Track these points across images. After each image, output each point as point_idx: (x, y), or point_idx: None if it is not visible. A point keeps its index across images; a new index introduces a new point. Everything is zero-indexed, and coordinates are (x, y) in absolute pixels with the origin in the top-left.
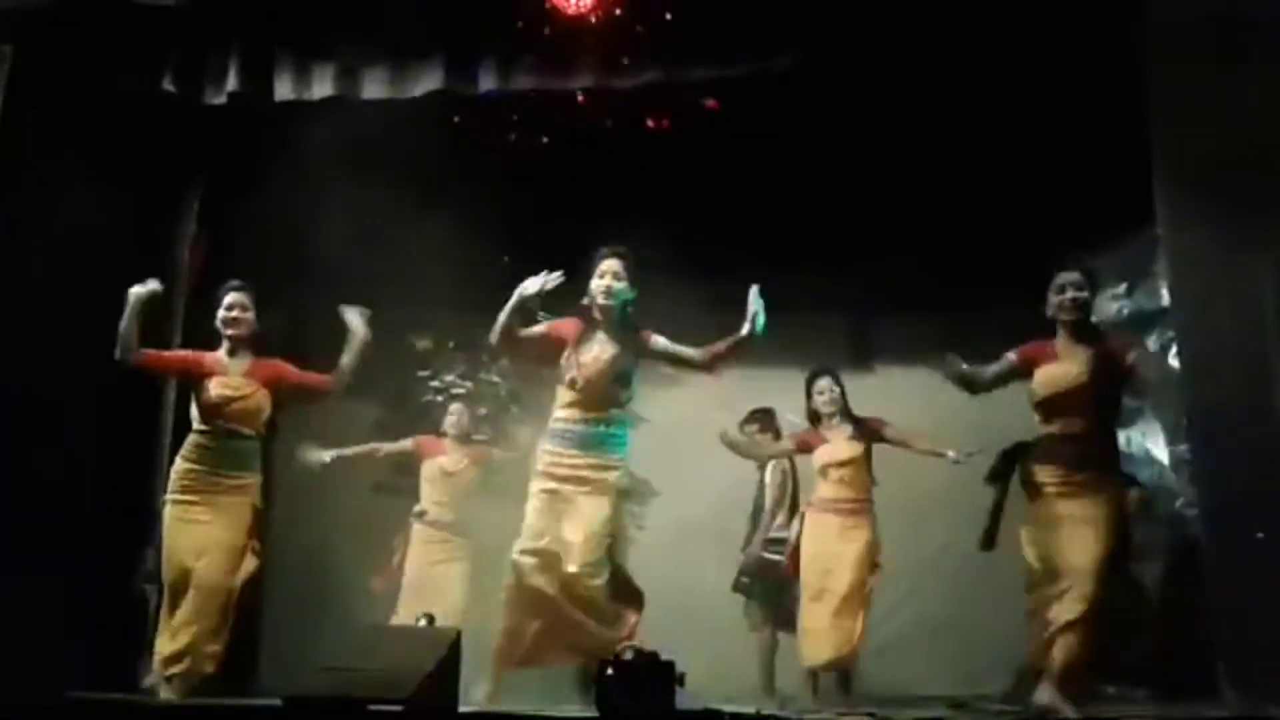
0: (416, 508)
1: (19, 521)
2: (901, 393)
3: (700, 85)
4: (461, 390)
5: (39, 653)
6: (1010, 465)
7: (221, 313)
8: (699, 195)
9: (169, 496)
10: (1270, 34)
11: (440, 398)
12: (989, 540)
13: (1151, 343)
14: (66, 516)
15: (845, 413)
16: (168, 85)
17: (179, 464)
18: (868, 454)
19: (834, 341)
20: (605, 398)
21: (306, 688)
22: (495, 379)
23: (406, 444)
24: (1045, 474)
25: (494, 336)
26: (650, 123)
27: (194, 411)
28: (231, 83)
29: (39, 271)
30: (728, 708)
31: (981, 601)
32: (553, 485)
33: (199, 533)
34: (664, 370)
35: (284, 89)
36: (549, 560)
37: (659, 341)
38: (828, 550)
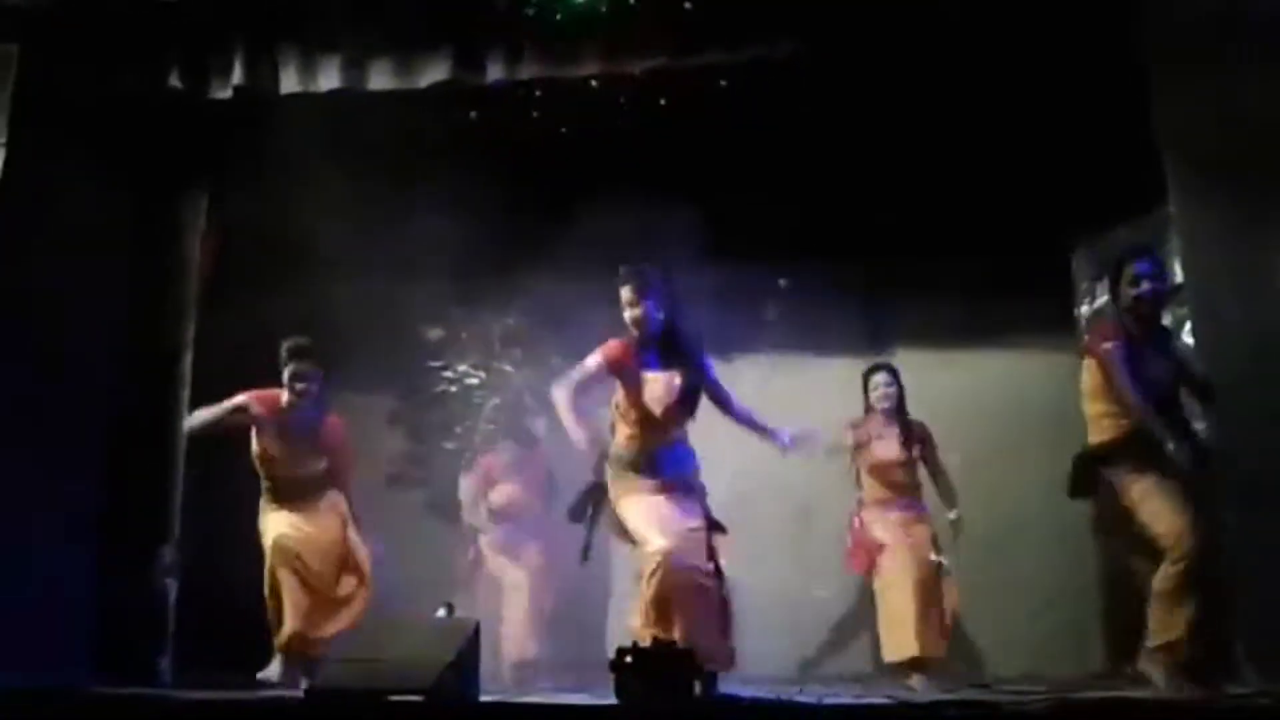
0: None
1: (36, 518)
2: (918, 380)
3: (708, 71)
4: (474, 380)
5: (60, 647)
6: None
7: (285, 377)
8: (713, 184)
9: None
10: None
11: (454, 388)
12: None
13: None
14: (84, 512)
15: (899, 410)
16: (173, 81)
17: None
18: (915, 458)
19: (851, 330)
20: (676, 421)
21: (327, 679)
22: (508, 368)
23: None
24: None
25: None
26: (662, 110)
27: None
28: (237, 77)
29: (46, 269)
30: (745, 693)
31: (997, 585)
32: (650, 495)
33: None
34: None
35: (290, 82)
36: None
37: (710, 373)
38: (892, 544)
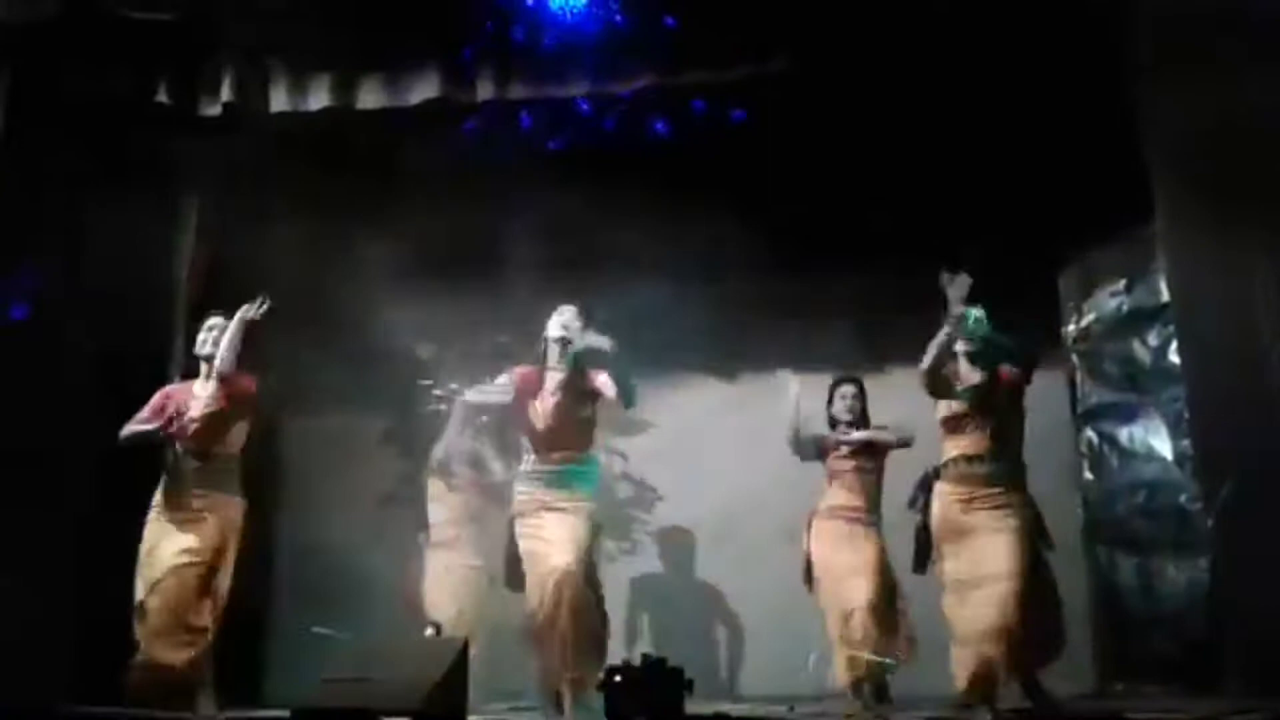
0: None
1: (18, 534)
2: (909, 395)
3: (697, 88)
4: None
5: (32, 666)
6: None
7: (198, 342)
8: (705, 200)
9: (150, 516)
10: (1268, 31)
11: (444, 406)
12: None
13: (1152, 338)
14: (66, 528)
15: (863, 422)
16: (162, 97)
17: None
18: (878, 468)
19: (844, 343)
20: (568, 439)
21: (314, 699)
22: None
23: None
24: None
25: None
26: (650, 128)
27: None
28: (226, 94)
29: (37, 285)
30: (735, 710)
31: None
32: (531, 520)
33: (169, 549)
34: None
35: (280, 100)
36: (548, 576)
37: (606, 387)
38: (841, 560)
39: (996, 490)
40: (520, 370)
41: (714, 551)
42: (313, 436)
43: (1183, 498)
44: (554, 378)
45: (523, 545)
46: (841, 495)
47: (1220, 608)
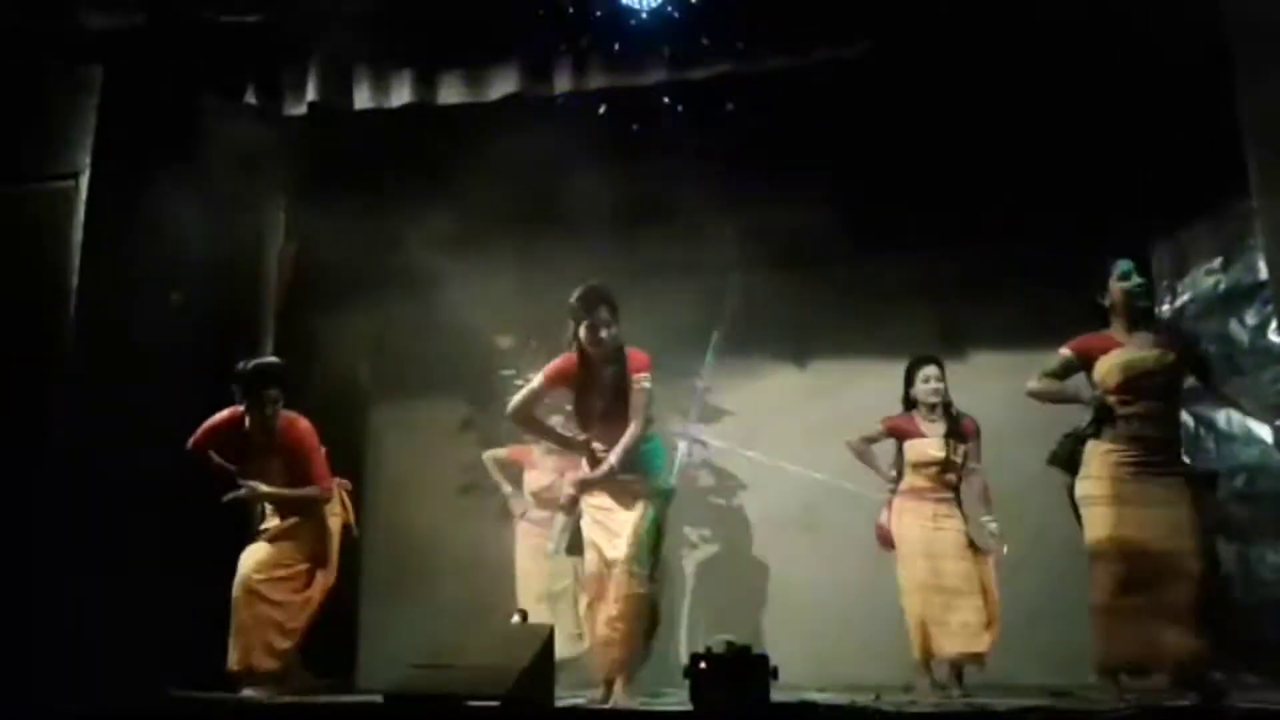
0: (510, 490)
1: (121, 523)
2: (991, 379)
3: (775, 74)
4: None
5: (142, 652)
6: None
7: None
8: (776, 188)
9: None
10: None
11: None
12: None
13: (1250, 316)
14: (168, 518)
15: (946, 405)
16: (250, 98)
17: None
18: (959, 457)
19: (923, 329)
20: (614, 423)
21: (404, 685)
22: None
23: (502, 452)
24: (1120, 457)
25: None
26: (727, 115)
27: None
28: (311, 93)
29: (132, 285)
30: (822, 699)
31: (1077, 590)
32: (594, 501)
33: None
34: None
35: (363, 98)
36: (605, 571)
37: (641, 382)
38: (926, 537)
39: (1167, 458)
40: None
41: (793, 540)
42: (397, 425)
43: None
44: (597, 361)
45: (586, 526)
46: (922, 480)
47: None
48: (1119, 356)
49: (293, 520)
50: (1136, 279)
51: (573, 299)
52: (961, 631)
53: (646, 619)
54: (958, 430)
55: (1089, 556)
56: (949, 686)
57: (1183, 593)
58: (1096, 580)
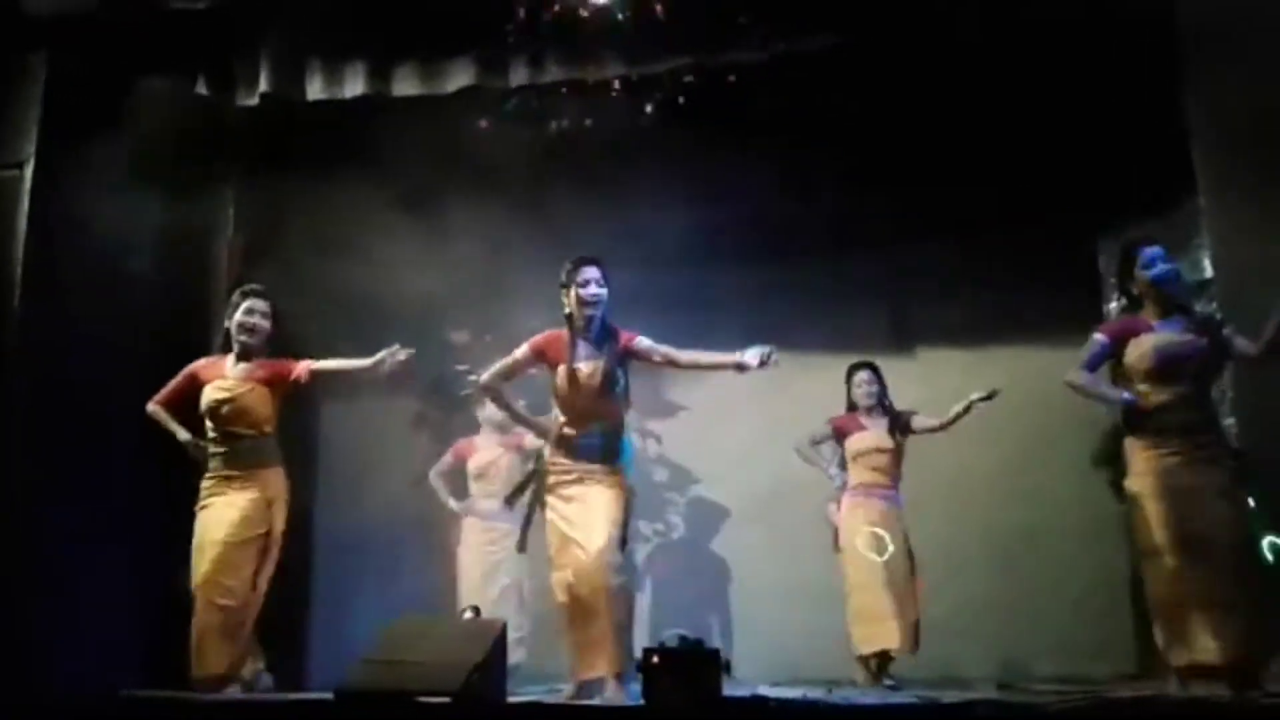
0: (457, 505)
1: (71, 526)
2: (943, 377)
3: (732, 68)
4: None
5: (94, 651)
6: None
7: (240, 317)
8: (736, 183)
9: (197, 507)
10: None
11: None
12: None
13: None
14: (119, 516)
15: (882, 405)
16: (201, 88)
17: (204, 478)
18: (899, 446)
19: (875, 327)
20: (599, 407)
21: (356, 681)
22: (533, 371)
23: (446, 459)
24: (1165, 449)
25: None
26: (683, 109)
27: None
28: (263, 84)
29: (75, 275)
30: (774, 693)
31: (1025, 583)
32: (564, 491)
33: (217, 534)
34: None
35: (315, 89)
36: (577, 561)
37: (642, 343)
38: (865, 532)
39: (1209, 440)
40: (547, 334)
41: (748, 534)
42: (349, 420)
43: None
44: (584, 344)
45: (553, 519)
46: (866, 474)
47: (1265, 590)
48: (1152, 340)
49: (242, 484)
50: (1163, 265)
51: (564, 270)
52: (888, 628)
53: (631, 611)
54: (899, 423)
55: (1142, 554)
56: (884, 678)
57: (1243, 583)
58: (1155, 578)
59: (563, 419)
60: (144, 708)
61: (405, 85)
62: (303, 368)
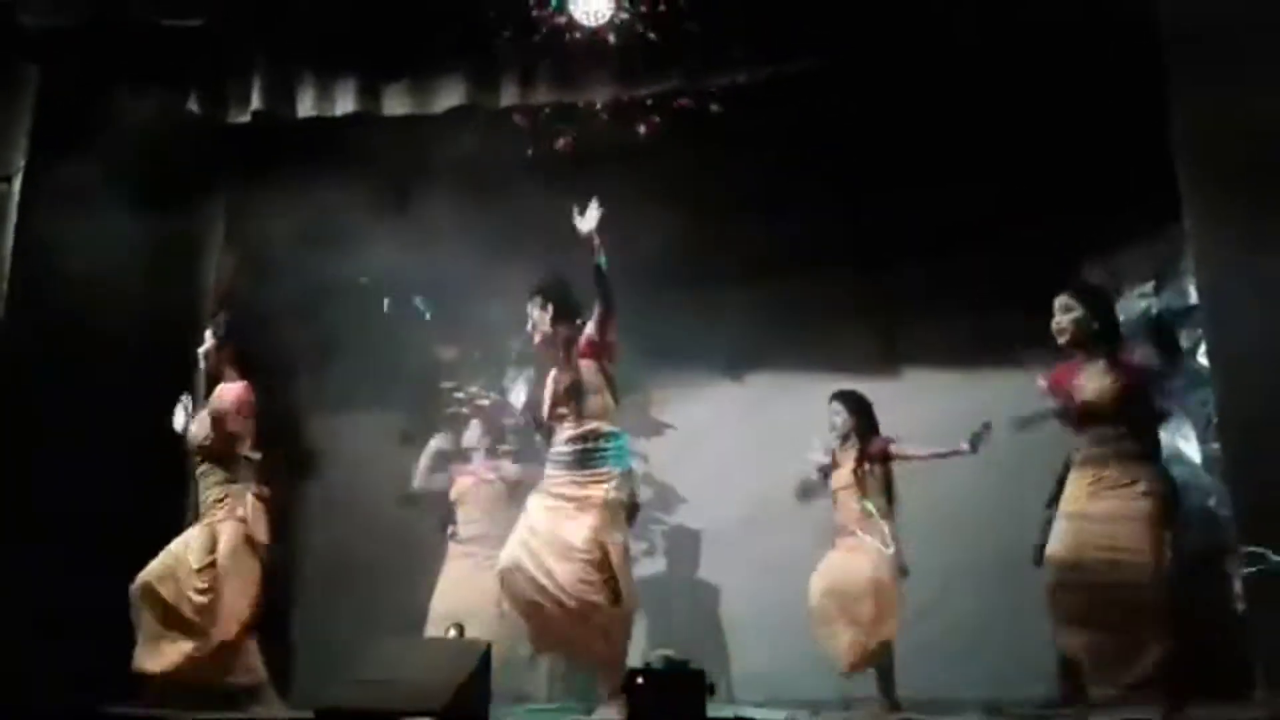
0: (449, 528)
1: (56, 533)
2: (930, 397)
3: (717, 91)
4: (485, 402)
5: (74, 666)
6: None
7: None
8: (721, 203)
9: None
10: None
11: (465, 410)
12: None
13: (1181, 340)
14: (109, 531)
15: (855, 435)
16: (192, 105)
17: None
18: (863, 477)
19: (861, 346)
20: (569, 416)
21: (339, 699)
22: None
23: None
24: (1089, 477)
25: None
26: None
27: None
28: (255, 101)
29: (65, 291)
30: (758, 714)
31: (1014, 606)
32: (550, 502)
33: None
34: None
35: (306, 107)
36: (526, 573)
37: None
38: (833, 567)
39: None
40: None
41: (731, 554)
42: (337, 437)
43: (1211, 501)
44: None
45: (542, 524)
46: (839, 515)
47: (1250, 613)
48: (1079, 383)
49: (221, 508)
50: (1075, 313)
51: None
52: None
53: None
54: (868, 453)
55: (1050, 573)
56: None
57: (1142, 605)
58: (1056, 598)
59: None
60: None
61: (395, 103)
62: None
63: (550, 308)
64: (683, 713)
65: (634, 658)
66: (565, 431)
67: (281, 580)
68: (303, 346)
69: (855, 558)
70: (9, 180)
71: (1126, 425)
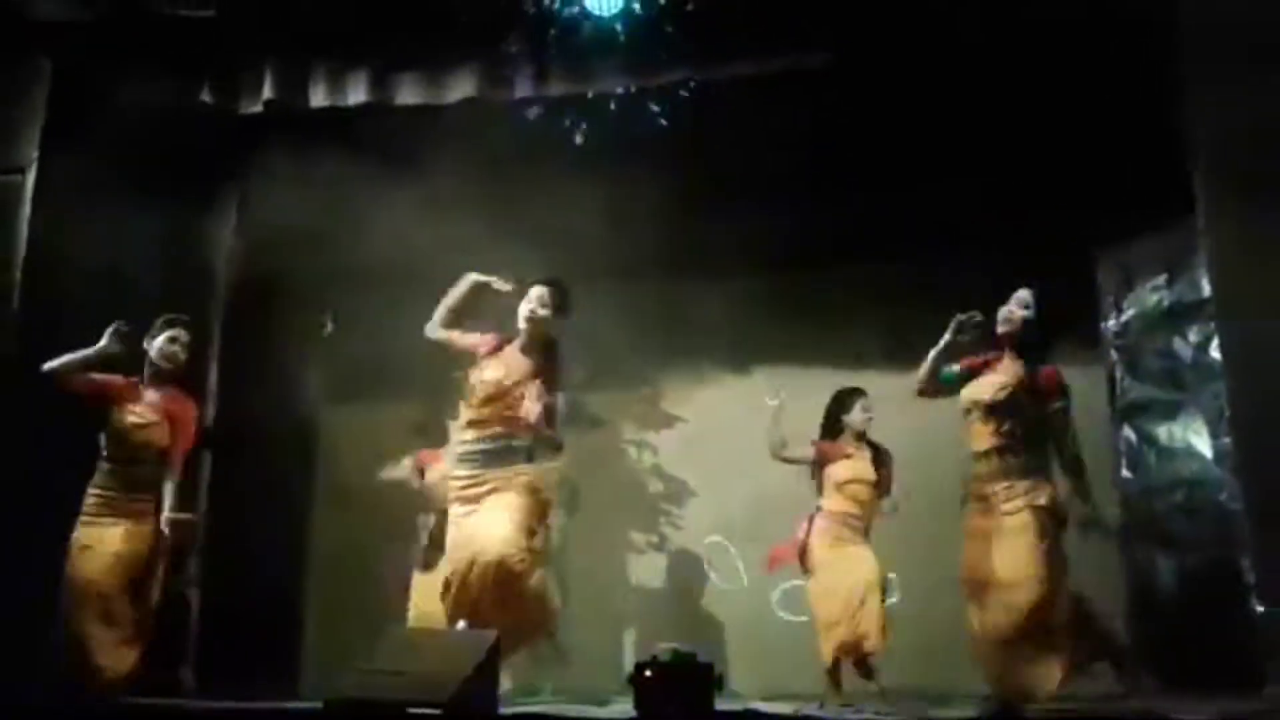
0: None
1: (60, 529)
2: (941, 400)
3: (733, 82)
4: None
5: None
6: None
7: (161, 343)
8: (733, 196)
9: (81, 518)
10: None
11: None
12: None
13: (1193, 333)
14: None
15: (868, 435)
16: (205, 96)
17: (90, 489)
18: (881, 480)
19: (868, 341)
20: (507, 417)
21: (346, 690)
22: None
23: (405, 464)
24: (978, 491)
25: (432, 327)
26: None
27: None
28: (267, 91)
29: (78, 283)
30: (765, 708)
31: None
32: (465, 509)
33: (104, 551)
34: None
35: (319, 97)
36: (475, 569)
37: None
38: (840, 562)
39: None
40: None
41: (740, 547)
42: (348, 428)
43: (1222, 496)
44: (513, 350)
45: (452, 532)
46: (845, 503)
47: (1260, 607)
48: (985, 378)
49: (137, 508)
50: (1029, 312)
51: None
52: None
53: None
54: (881, 456)
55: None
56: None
57: (1034, 618)
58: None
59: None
60: (133, 715)
61: (408, 94)
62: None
63: (551, 301)
64: (690, 706)
65: (639, 652)
66: (478, 428)
67: (291, 572)
68: (314, 337)
69: (865, 552)
70: (22, 172)
71: (1018, 432)
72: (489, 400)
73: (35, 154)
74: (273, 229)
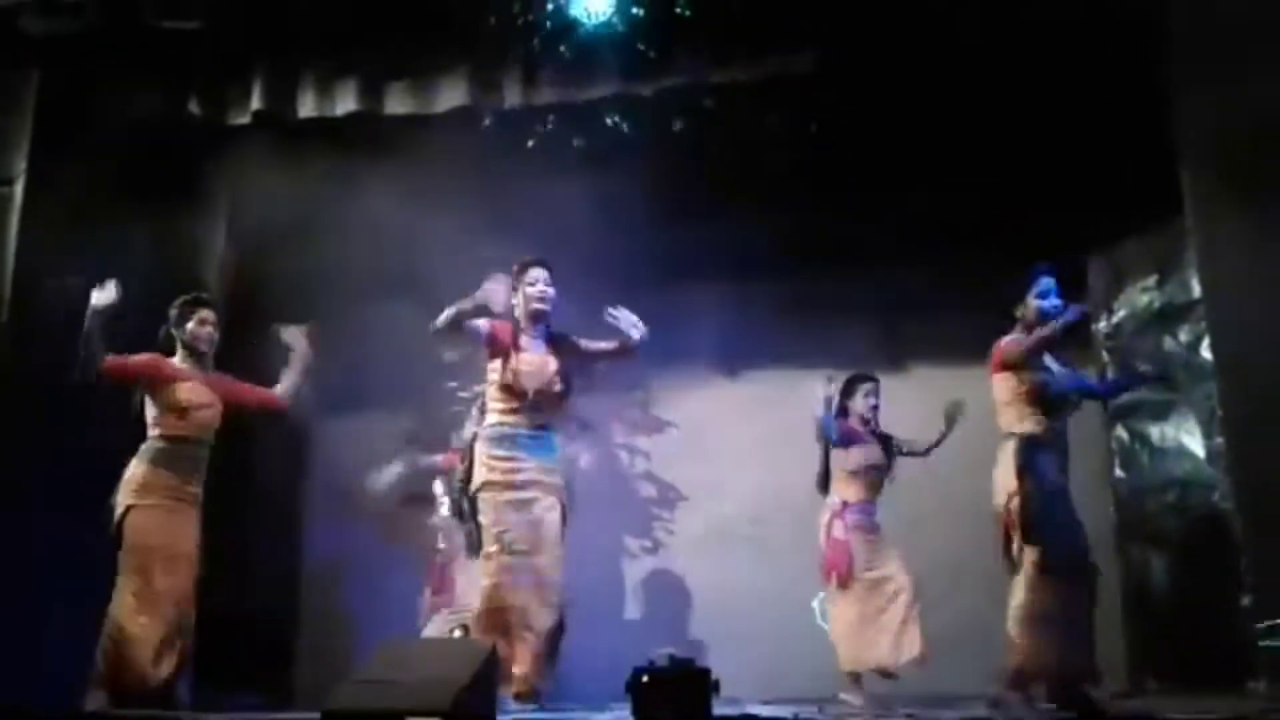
0: (433, 517)
1: (54, 541)
2: (935, 394)
3: (728, 86)
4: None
5: (77, 669)
6: None
7: (191, 327)
8: (727, 200)
9: (129, 501)
10: None
11: (471, 409)
12: None
13: (1184, 333)
14: (102, 536)
15: (876, 423)
16: (193, 107)
17: (139, 468)
18: (890, 468)
19: (864, 343)
20: (551, 405)
21: (343, 700)
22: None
23: (436, 459)
24: None
25: (440, 322)
26: (670, 128)
27: (150, 415)
28: (256, 102)
29: (68, 294)
30: (764, 712)
31: None
32: (510, 494)
33: (161, 538)
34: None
35: (307, 107)
36: (527, 570)
37: (587, 344)
38: (871, 551)
39: None
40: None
41: (735, 550)
42: (341, 437)
43: (1215, 495)
44: (531, 340)
45: (507, 519)
46: (865, 490)
47: (1252, 606)
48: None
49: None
50: (1054, 300)
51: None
52: (903, 642)
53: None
54: (889, 444)
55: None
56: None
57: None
58: None
59: (508, 411)
60: None
61: (397, 103)
62: (277, 399)
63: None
64: (688, 711)
65: (636, 657)
66: (523, 415)
67: (287, 580)
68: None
69: (887, 539)
70: (11, 184)
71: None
72: (527, 384)
73: (24, 165)
74: (263, 238)
